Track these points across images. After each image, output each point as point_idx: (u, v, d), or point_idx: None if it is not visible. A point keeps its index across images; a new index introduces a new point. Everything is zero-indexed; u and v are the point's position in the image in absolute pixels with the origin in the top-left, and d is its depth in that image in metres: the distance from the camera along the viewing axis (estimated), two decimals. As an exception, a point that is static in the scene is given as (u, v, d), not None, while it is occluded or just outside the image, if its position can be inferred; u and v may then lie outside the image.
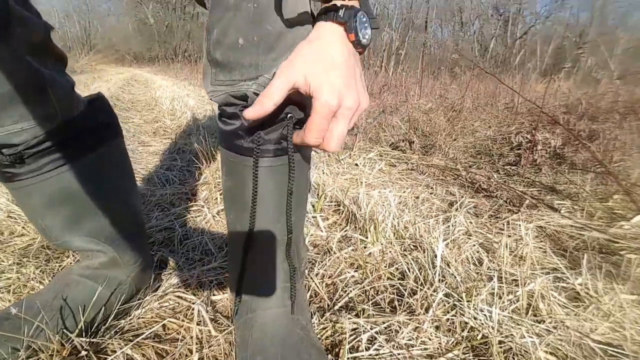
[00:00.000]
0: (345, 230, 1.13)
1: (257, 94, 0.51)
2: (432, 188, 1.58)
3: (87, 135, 0.68)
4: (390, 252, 0.99)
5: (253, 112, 0.47)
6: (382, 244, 1.01)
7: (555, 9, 13.19)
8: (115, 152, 0.74)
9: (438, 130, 2.34)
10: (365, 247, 1.01)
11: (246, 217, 0.61)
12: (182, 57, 18.27)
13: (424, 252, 0.98)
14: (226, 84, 0.53)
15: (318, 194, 1.36)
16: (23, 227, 1.12)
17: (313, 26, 0.51)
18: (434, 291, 0.80)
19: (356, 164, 1.83)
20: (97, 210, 0.71)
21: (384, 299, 0.81)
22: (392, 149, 2.16)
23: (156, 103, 4.14)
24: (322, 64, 0.46)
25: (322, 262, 0.95)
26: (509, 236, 1.11)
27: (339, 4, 0.47)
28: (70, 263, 0.96)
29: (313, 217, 1.21)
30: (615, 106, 2.18)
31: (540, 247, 1.09)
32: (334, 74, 0.46)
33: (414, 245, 1.03)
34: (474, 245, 1.05)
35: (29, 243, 1.04)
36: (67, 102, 0.63)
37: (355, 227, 1.14)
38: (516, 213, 1.29)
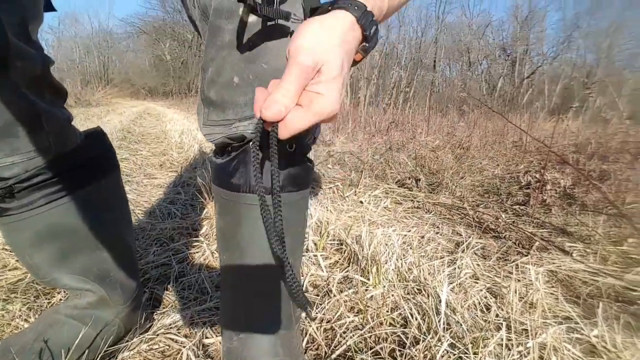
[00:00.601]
0: (347, 271, 1.09)
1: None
2: (438, 227, 1.54)
3: (81, 169, 0.66)
4: (392, 295, 0.95)
5: (273, 112, 0.41)
6: (384, 286, 0.97)
7: (562, 50, 13.40)
8: (109, 187, 0.73)
9: (445, 168, 2.32)
10: (366, 290, 0.97)
11: (239, 258, 0.59)
12: (195, 92, 18.76)
13: (428, 296, 0.93)
14: (220, 124, 0.52)
15: (320, 232, 1.33)
16: (16, 261, 1.10)
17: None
18: (438, 341, 0.75)
19: (361, 201, 1.80)
20: (88, 247, 0.69)
21: (385, 349, 0.76)
22: (399, 187, 2.13)
23: (165, 136, 4.21)
24: (339, 58, 0.41)
25: (321, 304, 0.91)
26: (518, 280, 1.06)
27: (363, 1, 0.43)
28: (60, 299, 0.93)
29: (314, 255, 1.18)
30: (626, 146, 2.14)
31: (551, 293, 1.04)
32: (342, 75, 0.41)
33: (417, 289, 0.98)
34: (481, 290, 1.00)
35: (20, 277, 1.02)
36: (62, 136, 0.62)
37: (357, 267, 1.10)
38: (526, 256, 1.24)
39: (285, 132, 0.40)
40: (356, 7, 0.41)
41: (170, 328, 0.85)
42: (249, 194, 0.53)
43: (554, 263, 1.18)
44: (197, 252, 1.24)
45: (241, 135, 0.51)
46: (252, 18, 0.47)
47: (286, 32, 0.49)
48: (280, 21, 0.47)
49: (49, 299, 0.92)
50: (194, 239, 1.35)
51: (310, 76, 0.40)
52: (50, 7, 0.67)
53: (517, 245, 1.35)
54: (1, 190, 0.57)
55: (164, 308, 0.95)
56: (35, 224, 0.62)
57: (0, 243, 1.17)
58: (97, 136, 0.72)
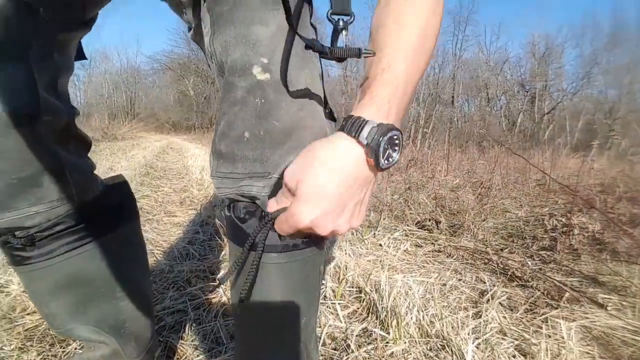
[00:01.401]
0: (366, 322, 1.04)
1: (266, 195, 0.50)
2: (460, 273, 1.49)
3: (101, 218, 0.66)
4: (414, 352, 0.90)
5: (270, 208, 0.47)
6: (405, 342, 0.92)
7: (582, 86, 13.34)
8: (129, 236, 0.73)
9: (466, 208, 2.26)
10: (386, 345, 0.92)
11: (252, 317, 0.56)
12: (217, 127, 19.25)
13: (452, 353, 0.88)
14: (228, 177, 0.51)
15: (339, 278, 1.29)
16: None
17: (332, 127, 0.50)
18: (465, 410, 0.70)
19: (380, 244, 1.76)
20: (104, 297, 0.68)
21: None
22: (418, 228, 2.08)
23: (187, 172, 4.28)
24: (315, 183, 0.42)
25: (338, 361, 0.87)
26: (549, 336, 1.00)
27: (369, 116, 0.41)
28: (75, 349, 0.91)
29: (332, 303, 1.14)
30: (656, 188, 2.06)
31: (587, 353, 0.97)
32: (322, 199, 0.42)
33: (440, 345, 0.93)
34: (509, 347, 0.94)
35: (37, 323, 1.01)
36: (84, 186, 0.63)
37: (377, 318, 1.05)
38: (556, 308, 1.17)
39: (280, 229, 0.47)
40: (361, 130, 0.41)
41: (183, 382, 0.83)
42: (265, 253, 0.52)
43: (587, 317, 1.11)
44: (213, 298, 1.21)
45: (254, 195, 0.50)
46: (264, 76, 0.47)
47: (298, 89, 0.49)
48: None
49: (63, 348, 0.90)
50: (211, 283, 1.33)
51: (288, 189, 0.44)
52: (81, 56, 0.69)
53: (546, 295, 1.28)
54: (23, 239, 0.57)
55: (178, 358, 0.92)
56: (53, 272, 0.62)
57: (23, 286, 1.17)
58: (119, 184, 0.73)
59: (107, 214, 0.68)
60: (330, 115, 0.56)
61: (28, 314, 1.07)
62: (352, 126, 0.41)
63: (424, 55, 0.45)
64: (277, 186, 0.50)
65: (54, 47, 0.56)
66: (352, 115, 0.42)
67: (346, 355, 0.88)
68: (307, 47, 0.45)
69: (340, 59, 0.45)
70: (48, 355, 0.88)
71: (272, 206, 0.48)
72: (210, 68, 0.58)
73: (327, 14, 0.44)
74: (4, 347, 0.88)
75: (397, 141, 0.42)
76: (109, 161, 4.90)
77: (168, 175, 4.16)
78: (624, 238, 1.61)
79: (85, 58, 0.69)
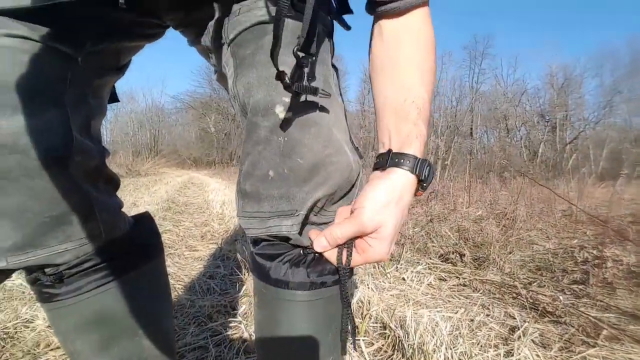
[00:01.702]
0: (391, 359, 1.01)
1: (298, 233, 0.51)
2: (488, 308, 1.43)
3: (128, 255, 0.67)
4: (444, 393, 0.86)
5: (322, 247, 0.50)
6: (434, 381, 0.88)
7: (604, 115, 13.15)
8: (154, 272, 0.73)
9: (490, 241, 2.20)
10: (414, 385, 0.89)
11: (278, 356, 0.55)
12: (237, 162, 19.64)
13: (485, 395, 0.83)
14: (254, 216, 0.52)
15: (362, 314, 1.26)
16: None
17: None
18: None
19: (403, 278, 1.72)
20: (128, 335, 0.68)
21: None
22: (442, 261, 2.03)
23: (207, 206, 4.33)
24: (396, 222, 0.48)
25: (364, 402, 0.83)
26: (588, 377, 0.94)
27: (412, 153, 0.49)
28: (97, 385, 0.90)
29: (356, 340, 1.10)
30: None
31: (630, 395, 0.90)
32: (397, 230, 0.49)
33: (472, 385, 0.89)
34: (546, 388, 0.89)
35: (60, 359, 1.01)
36: (112, 223, 0.64)
37: (403, 356, 1.02)
38: (593, 347, 1.10)
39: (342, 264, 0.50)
40: (408, 161, 0.49)
41: (204, 423, 0.80)
42: (287, 289, 0.52)
43: (629, 357, 1.04)
44: (235, 334, 1.20)
45: (285, 236, 0.50)
46: (287, 114, 0.48)
47: (321, 126, 0.50)
48: (310, 97, 0.50)
49: (84, 385, 0.89)
50: (232, 318, 1.32)
51: (364, 233, 0.48)
52: (114, 99, 0.73)
53: (581, 332, 1.22)
54: (52, 276, 0.58)
55: (198, 397, 0.90)
56: (81, 310, 0.62)
57: (47, 320, 1.18)
58: (145, 221, 0.74)
59: (133, 251, 0.69)
60: (356, 150, 0.57)
61: (52, 349, 1.08)
62: (417, 167, 0.49)
63: (432, 79, 0.54)
64: (305, 222, 0.51)
65: (89, 92, 0.59)
66: (409, 154, 0.49)
67: (373, 396, 0.85)
68: (276, 77, 0.46)
69: (298, 94, 0.48)
70: (71, 393, 0.87)
71: (321, 244, 0.50)
72: (233, 108, 0.60)
73: (293, 50, 0.46)
74: (28, 385, 0.88)
75: (431, 170, 0.51)
76: (132, 196, 5.01)
77: (189, 209, 4.22)
78: (662, 271, 1.53)
79: (117, 100, 0.73)
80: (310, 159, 0.49)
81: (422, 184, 0.50)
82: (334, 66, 0.57)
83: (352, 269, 0.57)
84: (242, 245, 2.27)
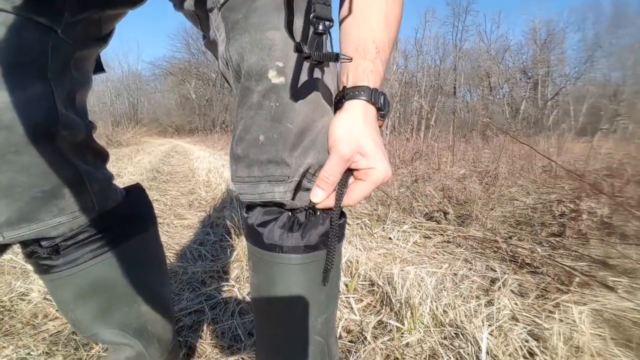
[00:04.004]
0: (380, 314, 1.07)
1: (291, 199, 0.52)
2: (470, 263, 1.50)
3: (122, 226, 0.69)
4: (429, 341, 0.92)
5: (320, 197, 0.51)
6: (420, 332, 0.94)
7: (585, 70, 13.24)
8: (148, 242, 0.75)
9: (473, 198, 2.27)
10: (402, 335, 0.95)
11: (274, 316, 0.59)
12: (220, 128, 19.35)
13: (467, 341, 0.90)
14: (246, 181, 0.53)
15: (351, 273, 1.31)
16: (57, 310, 1.13)
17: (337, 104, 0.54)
18: (481, 394, 0.72)
19: (390, 238, 1.78)
20: (127, 302, 0.70)
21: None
22: (427, 220, 2.10)
23: (193, 174, 4.31)
24: (370, 136, 0.49)
25: (356, 353, 0.89)
26: (561, 320, 1.01)
27: (366, 84, 0.51)
28: (98, 352, 0.94)
29: (346, 297, 1.16)
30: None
31: (598, 335, 0.98)
32: (380, 145, 0.50)
33: (454, 333, 0.95)
34: (522, 332, 0.96)
35: (60, 329, 1.04)
36: (104, 195, 0.65)
37: (391, 310, 1.08)
38: (566, 293, 1.18)
39: (353, 201, 0.52)
40: (362, 92, 0.51)
41: (206, 379, 0.85)
42: (282, 254, 0.54)
43: (598, 301, 1.12)
44: (229, 297, 1.24)
45: (279, 202, 0.52)
46: (280, 80, 0.49)
47: (313, 91, 0.51)
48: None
49: (87, 351, 0.93)
50: (226, 283, 1.36)
51: (349, 162, 0.50)
52: (99, 69, 0.71)
53: (556, 280, 1.30)
54: (48, 249, 0.60)
55: (198, 358, 0.95)
56: (78, 279, 0.64)
57: (43, 292, 1.21)
58: (137, 192, 0.75)
59: (127, 221, 0.70)
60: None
61: (50, 320, 1.10)
62: (372, 96, 0.51)
63: (395, 23, 0.56)
64: (298, 189, 0.52)
65: (72, 64, 0.58)
66: (363, 86, 0.51)
67: (363, 347, 0.91)
68: (296, 49, 0.48)
69: (319, 62, 0.50)
70: (74, 359, 0.91)
71: (317, 194, 0.51)
72: (224, 75, 0.60)
73: (310, 17, 0.47)
74: (31, 352, 0.91)
75: (382, 97, 0.53)
76: (115, 167, 4.94)
77: (175, 178, 4.20)
78: (633, 221, 1.61)
79: (103, 71, 0.72)
80: (299, 123, 0.50)
81: (380, 112, 0.53)
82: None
83: (342, 231, 0.60)
84: (230, 212, 2.30)
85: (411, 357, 0.86)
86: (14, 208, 0.53)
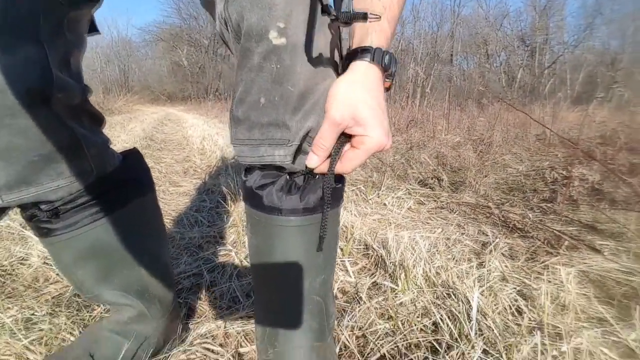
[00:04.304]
0: (374, 276, 1.10)
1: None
2: (463, 228, 1.53)
3: (120, 190, 0.69)
4: (422, 300, 0.95)
5: (314, 162, 0.51)
6: (413, 292, 0.98)
7: (584, 38, 13.06)
8: (147, 206, 0.76)
9: (467, 165, 2.29)
10: (395, 296, 0.98)
11: (273, 275, 0.60)
12: (213, 96, 19.06)
13: (458, 301, 0.93)
14: (246, 144, 0.53)
15: (346, 237, 1.34)
16: (57, 274, 1.15)
17: (342, 69, 0.53)
18: (472, 347, 0.75)
19: (384, 204, 1.81)
20: (128, 264, 0.72)
21: (419, 357, 0.77)
22: (421, 187, 2.12)
23: (187, 142, 4.28)
24: (367, 102, 0.48)
25: (351, 312, 0.92)
26: (549, 282, 1.05)
27: (369, 45, 0.49)
28: (100, 313, 0.97)
29: (341, 261, 1.19)
30: (655, 138, 2.08)
31: (583, 294, 1.02)
32: (379, 112, 0.48)
33: (446, 293, 0.98)
34: (511, 292, 1.00)
35: (61, 291, 1.06)
36: (101, 159, 0.65)
37: (385, 272, 1.11)
38: (555, 256, 1.22)
39: (347, 168, 0.51)
40: (366, 52, 0.49)
41: (206, 338, 0.88)
42: (281, 216, 0.55)
43: (585, 263, 1.16)
44: (226, 261, 1.27)
45: (279, 165, 0.52)
46: (280, 41, 0.48)
47: (314, 52, 0.50)
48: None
49: (90, 312, 0.95)
50: (222, 247, 1.38)
51: (341, 127, 0.49)
52: (94, 30, 0.70)
53: (546, 244, 1.33)
54: (48, 212, 0.61)
55: (198, 318, 0.98)
56: (78, 242, 0.65)
57: (42, 257, 1.22)
58: (134, 157, 0.75)
59: (125, 186, 0.71)
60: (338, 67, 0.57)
61: (51, 283, 1.12)
62: (374, 56, 0.49)
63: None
64: (298, 152, 0.52)
65: (65, 25, 0.57)
66: (371, 47, 0.49)
67: (359, 307, 0.94)
68: (322, 11, 0.47)
69: (347, 23, 0.47)
70: (77, 320, 0.93)
71: (312, 159, 0.51)
72: (223, 37, 0.58)
73: None
74: (35, 313, 0.94)
75: (393, 58, 0.51)
76: (108, 135, 4.86)
77: (169, 146, 4.17)
78: (623, 187, 1.64)
79: (98, 32, 0.70)
80: (301, 86, 0.49)
81: (386, 73, 0.51)
82: None
83: (338, 196, 0.60)
84: (226, 178, 2.30)
85: (404, 315, 0.90)
86: (13, 171, 0.53)
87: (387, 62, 0.50)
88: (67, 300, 1.00)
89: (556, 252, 1.25)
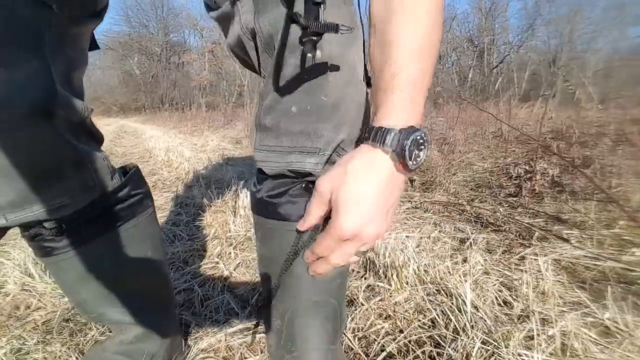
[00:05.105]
0: (366, 278, 1.13)
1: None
2: (440, 226, 1.60)
3: (121, 206, 0.69)
4: (415, 298, 1.00)
5: (304, 226, 0.51)
6: (406, 290, 1.02)
7: (526, 38, 13.88)
8: (148, 222, 0.75)
9: (435, 165, 2.39)
10: (391, 295, 1.02)
11: (290, 284, 0.62)
12: (169, 106, 18.54)
13: (451, 296, 0.98)
14: (274, 150, 0.54)
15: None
16: (39, 300, 1.10)
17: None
18: (471, 339, 0.80)
19: (362, 207, 1.85)
20: (132, 281, 0.71)
21: (425, 352, 0.81)
22: (394, 188, 2.19)
23: (150, 155, 4.16)
24: (352, 192, 0.44)
25: (351, 314, 0.95)
26: (527, 271, 1.12)
27: (391, 124, 0.44)
28: (94, 335, 0.94)
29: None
30: (603, 131, 2.26)
31: (558, 281, 1.11)
32: (362, 206, 0.44)
33: (437, 290, 1.03)
34: (495, 284, 1.06)
35: (48, 317, 1.02)
36: (104, 175, 0.65)
37: (376, 274, 1.14)
38: (528, 247, 1.31)
39: (315, 253, 0.51)
40: (384, 139, 0.43)
41: (208, 352, 0.88)
42: (296, 222, 0.57)
43: (555, 251, 1.25)
44: (215, 273, 1.26)
45: (308, 172, 0.54)
46: (315, 53, 0.49)
47: (346, 64, 0.52)
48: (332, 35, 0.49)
49: (84, 336, 0.93)
50: (209, 260, 1.37)
51: (325, 203, 0.47)
52: (94, 45, 0.69)
53: (518, 236, 1.42)
54: (52, 230, 0.59)
55: (196, 333, 0.97)
56: (82, 260, 0.64)
57: (20, 284, 1.17)
58: (135, 172, 0.75)
59: (126, 202, 0.70)
60: (368, 81, 0.57)
61: (34, 310, 1.07)
62: (375, 136, 0.44)
63: (433, 51, 0.46)
64: (331, 164, 0.54)
65: (68, 41, 0.56)
66: (374, 126, 0.45)
67: (358, 309, 0.97)
68: (291, 20, 0.46)
69: (318, 34, 0.46)
70: (71, 345, 0.90)
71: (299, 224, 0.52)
72: (241, 45, 0.58)
73: None
74: (26, 343, 0.90)
75: (421, 140, 0.44)
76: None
77: (131, 159, 4.03)
78: (580, 178, 1.78)
79: (98, 48, 0.69)
80: (333, 97, 0.51)
81: (404, 164, 0.43)
82: None
83: None
84: (199, 190, 2.27)
85: (401, 313, 0.94)
86: (16, 189, 0.52)
87: (407, 154, 0.42)
88: (58, 326, 0.97)
89: (529, 243, 1.34)
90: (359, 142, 0.50)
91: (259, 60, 0.59)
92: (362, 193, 0.44)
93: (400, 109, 0.44)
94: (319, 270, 0.52)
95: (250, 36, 0.55)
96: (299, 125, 0.52)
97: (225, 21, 0.60)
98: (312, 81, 0.50)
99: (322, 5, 0.45)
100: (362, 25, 0.56)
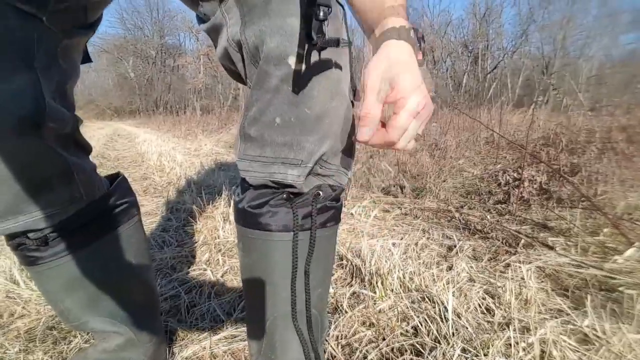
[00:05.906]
0: (351, 286, 1.14)
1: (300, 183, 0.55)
2: (428, 232, 1.62)
3: (108, 215, 0.69)
4: (399, 305, 1.01)
5: (366, 135, 0.50)
6: (390, 298, 1.03)
7: (520, 44, 13.99)
8: (133, 230, 0.76)
9: (426, 171, 2.41)
10: (375, 303, 1.03)
11: (271, 294, 0.63)
12: (164, 109, 18.52)
13: (435, 303, 0.99)
14: (257, 160, 0.55)
15: (320, 249, 1.38)
16: (23, 308, 1.10)
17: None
18: (451, 347, 0.81)
19: (351, 213, 1.86)
20: (116, 290, 0.71)
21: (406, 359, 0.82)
22: (384, 195, 2.20)
23: (143, 159, 4.16)
24: (399, 68, 0.49)
25: (335, 322, 0.96)
26: (511, 279, 1.14)
27: (400, 25, 0.51)
28: (78, 343, 0.94)
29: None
30: (591, 139, 2.29)
31: (542, 288, 1.12)
32: (413, 76, 0.50)
33: (421, 297, 1.04)
34: (479, 291, 1.07)
35: (31, 325, 1.02)
36: (91, 185, 0.65)
37: (362, 281, 1.15)
38: (514, 254, 1.32)
39: (394, 136, 0.50)
40: (396, 33, 0.51)
41: (192, 360, 0.88)
42: (281, 232, 0.58)
43: (540, 259, 1.27)
44: (203, 280, 1.26)
45: (290, 184, 0.54)
46: (299, 66, 0.50)
47: (331, 78, 0.53)
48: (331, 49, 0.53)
49: (67, 344, 0.93)
50: (197, 266, 1.37)
51: (381, 94, 0.49)
52: (87, 59, 0.69)
53: (504, 244, 1.44)
54: (37, 240, 0.60)
55: (181, 340, 0.98)
56: (67, 270, 0.64)
57: (4, 291, 1.16)
58: (121, 181, 0.75)
59: (112, 211, 0.71)
60: (354, 93, 0.59)
61: (17, 318, 1.07)
62: (400, 34, 0.51)
63: None
64: (313, 175, 0.55)
65: (59, 54, 0.57)
66: (395, 27, 0.51)
67: (342, 316, 0.98)
68: (308, 38, 0.49)
69: (323, 48, 0.50)
70: (54, 354, 0.90)
71: (363, 133, 0.51)
72: (227, 57, 0.59)
73: (316, 4, 0.47)
74: (7, 351, 0.90)
75: (421, 35, 0.54)
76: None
77: (123, 164, 4.03)
78: (567, 186, 1.80)
79: (90, 61, 0.70)
80: (317, 110, 0.52)
81: (417, 43, 0.53)
82: (339, 2, 0.57)
83: (339, 214, 0.64)
84: (190, 196, 2.27)
85: (385, 321, 0.94)
86: (2, 200, 0.52)
87: (413, 37, 0.52)
88: (41, 334, 0.97)
89: (514, 250, 1.36)
90: (376, 40, 0.54)
91: (245, 71, 0.59)
92: (417, 74, 0.50)
93: (404, 15, 0.53)
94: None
95: (237, 48, 0.55)
96: (283, 136, 0.53)
97: (214, 34, 0.61)
98: (296, 94, 0.51)
99: (325, 22, 0.48)
100: (348, 39, 0.58)
